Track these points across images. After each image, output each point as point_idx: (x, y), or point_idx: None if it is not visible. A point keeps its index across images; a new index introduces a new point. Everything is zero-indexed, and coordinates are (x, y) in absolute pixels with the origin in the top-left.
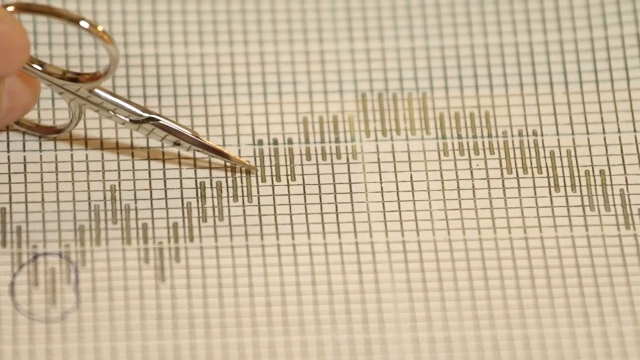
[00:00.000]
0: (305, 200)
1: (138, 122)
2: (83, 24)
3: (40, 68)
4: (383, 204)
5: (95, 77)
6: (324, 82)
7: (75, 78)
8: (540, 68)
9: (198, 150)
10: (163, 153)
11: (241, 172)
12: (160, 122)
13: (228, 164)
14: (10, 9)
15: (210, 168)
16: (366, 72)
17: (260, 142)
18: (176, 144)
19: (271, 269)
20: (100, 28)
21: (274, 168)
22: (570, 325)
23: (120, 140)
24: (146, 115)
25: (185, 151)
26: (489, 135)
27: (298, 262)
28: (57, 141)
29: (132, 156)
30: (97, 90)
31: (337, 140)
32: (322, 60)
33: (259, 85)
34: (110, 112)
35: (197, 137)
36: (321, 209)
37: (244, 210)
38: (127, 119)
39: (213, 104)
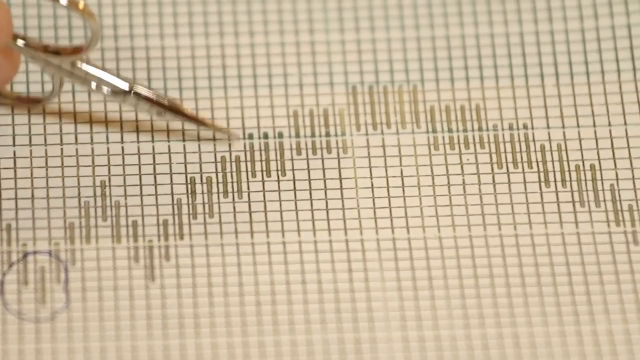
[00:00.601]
0: (295, 196)
1: (119, 93)
2: (62, 1)
3: (23, 42)
4: (373, 200)
5: (77, 51)
6: (314, 75)
7: (57, 51)
8: (531, 59)
9: (181, 119)
10: (153, 147)
11: (231, 156)
12: (139, 92)
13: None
14: None
15: (201, 167)
16: (357, 63)
17: (251, 137)
18: (159, 113)
19: (261, 268)
20: (80, 5)
21: (264, 163)
22: (560, 324)
23: (111, 135)
24: (127, 87)
25: (157, 116)
26: (480, 129)
27: (288, 261)
28: (46, 135)
29: (122, 150)
30: (79, 64)
31: (327, 135)
32: (313, 51)
33: (250, 78)
34: (92, 83)
35: (173, 104)
36: (311, 205)
37: (234, 207)
38: (109, 90)
39: (204, 97)
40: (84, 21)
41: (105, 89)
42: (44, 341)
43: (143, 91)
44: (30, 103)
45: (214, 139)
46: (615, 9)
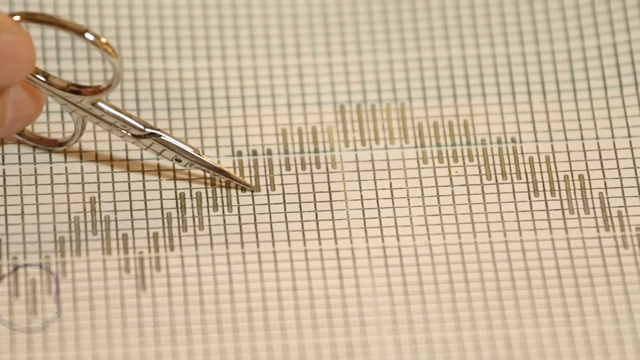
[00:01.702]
0: (285, 209)
1: (139, 136)
2: (88, 35)
3: (44, 79)
4: (363, 211)
5: (97, 91)
6: (302, 95)
7: (78, 90)
8: (518, 78)
9: (198, 168)
10: (142, 165)
11: (244, 189)
12: (161, 137)
13: (228, 181)
14: (17, 18)
15: (190, 182)
16: (344, 84)
17: (240, 154)
18: (176, 160)
19: (252, 276)
20: (104, 40)
21: (253, 178)
22: (551, 325)
23: (100, 152)
24: (148, 130)
25: (183, 167)
26: (468, 143)
27: (279, 269)
28: (35, 154)
29: (112, 168)
30: (99, 104)
31: (316, 151)
32: (300, 73)
33: (238, 99)
34: (112, 125)
35: (198, 154)
36: (301, 217)
37: (224, 220)
38: (129, 133)
39: (192, 117)
40: (107, 59)
41: (125, 133)
42: (35, 351)
43: (165, 136)
44: (53, 145)
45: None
46: (600, 29)
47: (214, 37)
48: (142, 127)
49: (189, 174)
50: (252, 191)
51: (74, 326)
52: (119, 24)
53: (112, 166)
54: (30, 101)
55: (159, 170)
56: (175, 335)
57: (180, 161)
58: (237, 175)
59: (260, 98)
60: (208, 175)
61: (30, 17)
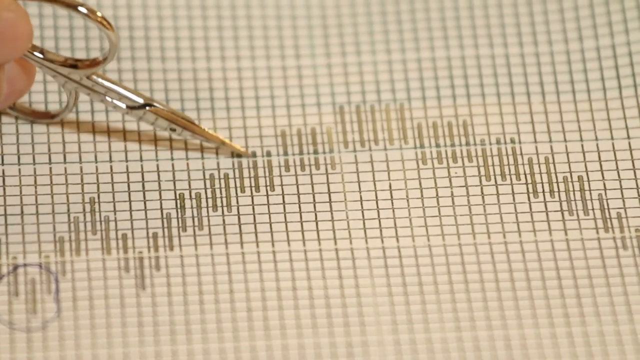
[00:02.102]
0: (284, 210)
1: (133, 107)
2: (81, 9)
3: (41, 55)
4: (362, 212)
5: (94, 63)
6: (301, 96)
7: (75, 64)
8: (517, 79)
9: (193, 136)
10: (142, 166)
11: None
12: (156, 107)
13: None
14: None
15: (189, 183)
16: (343, 85)
17: (239, 155)
18: (171, 129)
19: (251, 276)
20: (99, 14)
21: (252, 179)
22: (551, 326)
23: (99, 154)
24: (142, 101)
25: (178, 135)
26: (467, 144)
27: (278, 269)
28: (35, 154)
29: (111, 169)
30: (95, 77)
31: (315, 152)
32: (300, 75)
33: (237, 100)
34: (107, 98)
35: (191, 123)
36: (300, 217)
37: (223, 220)
38: (125, 106)
39: (191, 119)
40: (101, 32)
41: (120, 104)
42: (35, 350)
43: (159, 106)
44: (45, 117)
45: (202, 155)
46: (599, 31)
47: (213, 38)
48: (135, 99)
49: (188, 175)
50: (246, 157)
51: (74, 326)
52: (117, 25)
53: (111, 167)
54: (23, 75)
55: (158, 171)
56: (175, 334)
57: (174, 130)
58: (233, 144)
59: (259, 99)
60: (205, 144)
61: None
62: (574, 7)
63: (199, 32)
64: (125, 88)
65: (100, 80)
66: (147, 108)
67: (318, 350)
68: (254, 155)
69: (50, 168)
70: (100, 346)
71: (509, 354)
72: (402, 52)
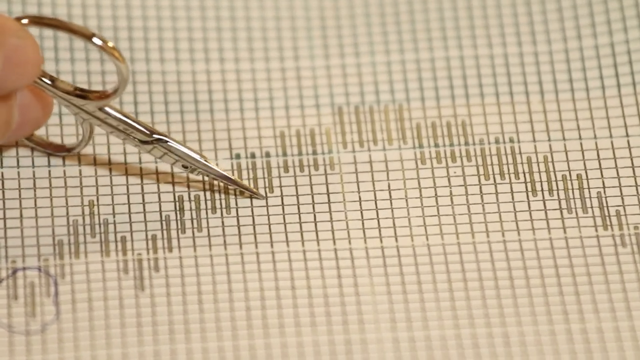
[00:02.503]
0: (283, 211)
1: (145, 142)
2: (96, 40)
3: (50, 82)
4: (361, 212)
5: (104, 96)
6: (300, 97)
7: (85, 95)
8: (516, 79)
9: (206, 175)
10: (141, 169)
11: (251, 197)
12: (168, 143)
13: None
14: (24, 21)
15: (188, 185)
16: (342, 86)
17: (238, 156)
18: (184, 167)
19: (250, 276)
20: (111, 44)
21: (251, 181)
22: (549, 323)
23: (98, 156)
24: (155, 136)
25: (194, 175)
26: (466, 143)
27: (277, 269)
28: (34, 157)
29: (110, 171)
30: (108, 109)
31: (314, 152)
32: (298, 76)
33: (236, 102)
34: (116, 129)
35: (206, 161)
36: (299, 218)
37: (222, 222)
38: (135, 138)
39: (190, 120)
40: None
41: (133, 138)
42: (34, 353)
43: (172, 143)
44: (62, 150)
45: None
46: (598, 29)
47: (212, 40)
48: (148, 133)
49: (187, 178)
50: (259, 198)
51: (73, 328)
52: (116, 25)
53: (110, 170)
54: (37, 105)
55: (157, 173)
56: (174, 334)
57: (187, 167)
58: (245, 183)
59: (258, 101)
60: (216, 182)
61: (37, 21)
62: (573, 5)
63: (197, 34)
64: (137, 122)
65: (112, 112)
66: (160, 143)
67: (317, 347)
68: (252, 156)
69: (49, 171)
70: (100, 348)
71: (508, 351)
72: (400, 52)
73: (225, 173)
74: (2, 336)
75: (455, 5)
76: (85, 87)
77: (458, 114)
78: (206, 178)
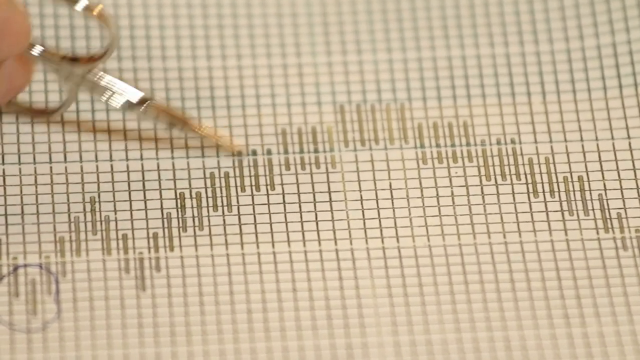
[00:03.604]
0: (284, 209)
1: (135, 104)
2: (79, 5)
3: (40, 51)
4: (362, 211)
5: (94, 59)
6: (302, 94)
7: (75, 59)
8: (518, 79)
9: (190, 132)
10: (142, 165)
11: (220, 172)
12: (154, 102)
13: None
14: None
15: (190, 182)
16: (344, 84)
17: (240, 153)
18: (171, 124)
19: (252, 277)
20: (96, 10)
21: (253, 178)
22: (550, 327)
23: (99, 153)
24: (141, 96)
25: (179, 131)
26: (467, 144)
27: (278, 270)
28: (35, 153)
29: (112, 168)
30: (95, 72)
31: (315, 151)
32: (300, 73)
33: (237, 98)
34: (106, 94)
35: (189, 121)
36: (301, 217)
37: (223, 220)
38: (126, 102)
39: (191, 116)
40: (100, 28)
41: (119, 100)
42: (35, 351)
43: (159, 103)
44: (43, 114)
45: (203, 154)
46: (600, 29)
47: (214, 37)
48: (136, 93)
49: (189, 174)
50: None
51: (74, 327)
52: (118, 23)
53: (111, 166)
54: (21, 71)
55: (158, 170)
56: (175, 336)
57: (175, 125)
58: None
59: (260, 97)
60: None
61: None
62: (575, 5)
63: (199, 31)
64: (125, 83)
65: (100, 74)
66: (147, 103)
67: (318, 351)
68: (254, 153)
69: (51, 167)
70: (101, 347)
71: (509, 354)
72: (402, 51)
73: (208, 130)
74: (3, 334)
75: (457, 4)
76: (69, 53)
77: (460, 115)
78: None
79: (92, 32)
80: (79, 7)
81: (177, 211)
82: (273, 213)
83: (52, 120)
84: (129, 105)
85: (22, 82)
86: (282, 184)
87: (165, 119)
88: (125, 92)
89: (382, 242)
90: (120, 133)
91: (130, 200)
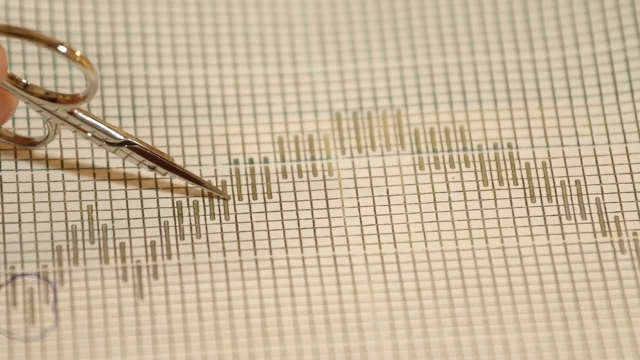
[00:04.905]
0: (282, 217)
1: (114, 144)
2: (61, 48)
3: (21, 86)
4: (360, 218)
5: (74, 100)
6: (298, 103)
7: (55, 99)
8: (514, 85)
9: (173, 176)
10: (139, 174)
11: (217, 198)
12: (136, 146)
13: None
14: None
15: (187, 191)
16: (340, 92)
17: (237, 162)
18: (151, 168)
19: (249, 283)
20: (78, 53)
21: (250, 187)
22: (549, 330)
23: (97, 160)
24: (122, 139)
25: (161, 176)
26: (464, 149)
27: (276, 276)
28: (32, 161)
29: (109, 176)
30: (76, 112)
31: (312, 158)
32: (296, 82)
33: (234, 107)
34: (87, 133)
35: (172, 163)
36: (298, 224)
37: (221, 228)
38: (104, 142)
39: (188, 124)
40: (82, 72)
41: (99, 138)
42: (34, 359)
43: (139, 144)
44: (26, 144)
45: (200, 162)
46: (596, 37)
47: (210, 45)
48: (116, 136)
49: (186, 186)
50: (225, 200)
51: (72, 335)
52: (114, 31)
53: (108, 174)
54: (3, 105)
55: (155, 179)
56: (174, 342)
57: (154, 169)
58: (212, 184)
59: (257, 106)
60: (187, 184)
61: (3, 30)
62: (570, 14)
63: (195, 39)
64: (107, 125)
65: (81, 115)
66: (127, 146)
67: (316, 355)
68: (251, 161)
69: (48, 175)
70: (99, 355)
71: (507, 357)
72: (398, 59)
73: (192, 175)
74: (1, 342)
75: (453, 12)
76: (51, 91)
77: (456, 120)
78: (175, 180)
79: (75, 72)
80: (60, 50)
81: (175, 219)
82: (270, 220)
83: (35, 157)
84: (108, 145)
85: (3, 115)
86: (279, 192)
87: (147, 163)
88: (106, 136)
89: (380, 247)
90: None
91: (128, 209)
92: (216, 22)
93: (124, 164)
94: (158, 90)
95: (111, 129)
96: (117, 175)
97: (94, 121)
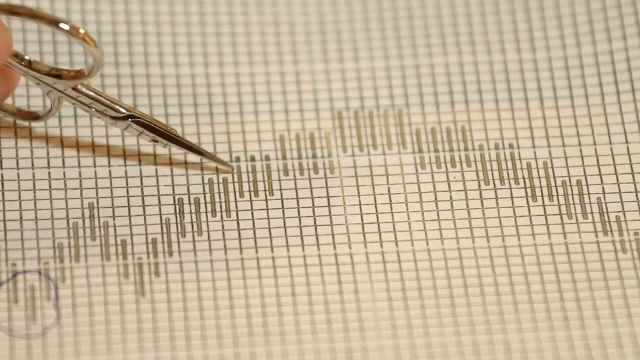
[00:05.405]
0: (283, 214)
1: (116, 118)
2: (63, 26)
3: (26, 64)
4: (361, 216)
5: (79, 75)
6: (299, 101)
7: (59, 74)
8: (515, 85)
9: (175, 147)
10: (140, 171)
11: (218, 177)
12: (138, 119)
13: (206, 167)
14: None
15: (188, 189)
16: (342, 90)
17: (238, 159)
18: (154, 140)
19: (251, 282)
20: (82, 31)
21: (251, 184)
22: (550, 330)
23: (98, 159)
24: (125, 112)
25: (162, 148)
26: (466, 149)
27: (278, 274)
28: (33, 158)
29: (110, 174)
30: (79, 87)
31: (314, 156)
32: (298, 80)
33: (235, 105)
34: (88, 107)
35: (174, 134)
36: (300, 222)
37: (222, 225)
38: (107, 116)
39: (190, 123)
40: (84, 48)
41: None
42: (35, 357)
43: (141, 117)
44: (29, 118)
45: (202, 166)
46: (597, 37)
47: (211, 44)
48: (118, 109)
49: (187, 174)
50: (227, 172)
51: (74, 332)
52: (115, 30)
53: (109, 172)
54: (2, 82)
55: (157, 176)
56: (175, 340)
57: (157, 142)
58: (217, 156)
59: (258, 104)
60: (188, 157)
61: (6, 9)
62: (572, 13)
63: (197, 38)
64: (108, 98)
65: (84, 90)
66: (130, 120)
67: (318, 355)
68: (252, 159)
69: (49, 172)
70: (100, 352)
71: (509, 357)
72: (400, 58)
73: (193, 145)
74: (3, 340)
75: (455, 11)
76: (53, 67)
77: (457, 120)
78: (176, 150)
79: (74, 48)
80: (63, 27)
81: (176, 216)
82: (272, 218)
83: (34, 125)
84: (113, 120)
85: (4, 91)
86: (280, 190)
87: (148, 135)
88: (108, 107)
89: (381, 246)
90: (118, 138)
91: (129, 206)
92: (217, 21)
93: (125, 162)
94: (159, 89)
95: (114, 102)
96: (118, 171)
97: (96, 96)
